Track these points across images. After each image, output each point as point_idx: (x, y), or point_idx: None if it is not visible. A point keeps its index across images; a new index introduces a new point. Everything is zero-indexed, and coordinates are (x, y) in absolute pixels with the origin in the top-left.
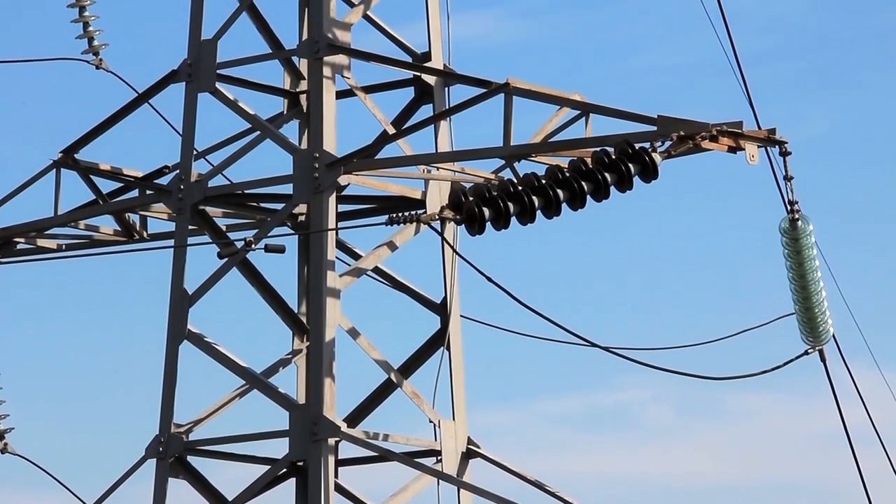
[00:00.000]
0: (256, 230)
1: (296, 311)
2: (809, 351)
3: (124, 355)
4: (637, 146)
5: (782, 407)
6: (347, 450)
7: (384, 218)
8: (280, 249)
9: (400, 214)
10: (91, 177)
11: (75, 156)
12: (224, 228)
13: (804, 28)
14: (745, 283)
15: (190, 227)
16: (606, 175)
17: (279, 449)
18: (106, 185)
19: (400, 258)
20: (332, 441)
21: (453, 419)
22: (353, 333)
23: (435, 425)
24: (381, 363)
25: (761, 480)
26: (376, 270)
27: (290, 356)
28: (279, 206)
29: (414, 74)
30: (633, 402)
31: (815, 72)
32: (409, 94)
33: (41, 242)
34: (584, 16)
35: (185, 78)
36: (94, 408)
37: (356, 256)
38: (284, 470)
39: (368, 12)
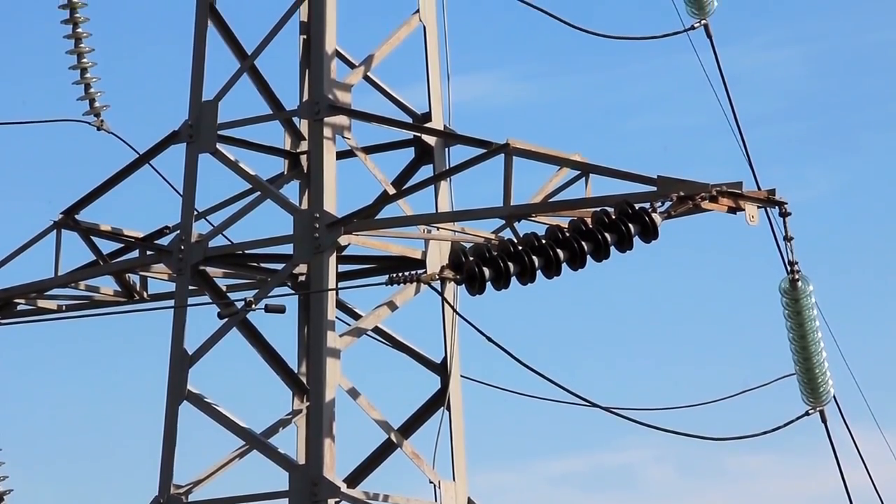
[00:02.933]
0: (257, 290)
1: (296, 371)
2: (810, 411)
3: (124, 415)
4: (637, 206)
5: (783, 468)
6: None
7: (384, 278)
8: (280, 309)
9: (400, 274)
10: (92, 237)
11: (76, 216)
12: (224, 288)
13: (804, 91)
14: (745, 343)
15: (190, 287)
16: (606, 235)
17: None
18: (106, 246)
19: (400, 318)
20: (332, 502)
21: (454, 480)
22: (353, 393)
23: (435, 486)
24: (381, 423)
25: None
26: (376, 330)
27: (289, 416)
28: (280, 266)
29: (414, 135)
30: (634, 463)
31: (816, 134)
32: (409, 154)
33: (42, 303)
34: (584, 78)
35: (185, 139)
36: (93, 468)
37: (356, 316)
38: None
39: (369, 73)
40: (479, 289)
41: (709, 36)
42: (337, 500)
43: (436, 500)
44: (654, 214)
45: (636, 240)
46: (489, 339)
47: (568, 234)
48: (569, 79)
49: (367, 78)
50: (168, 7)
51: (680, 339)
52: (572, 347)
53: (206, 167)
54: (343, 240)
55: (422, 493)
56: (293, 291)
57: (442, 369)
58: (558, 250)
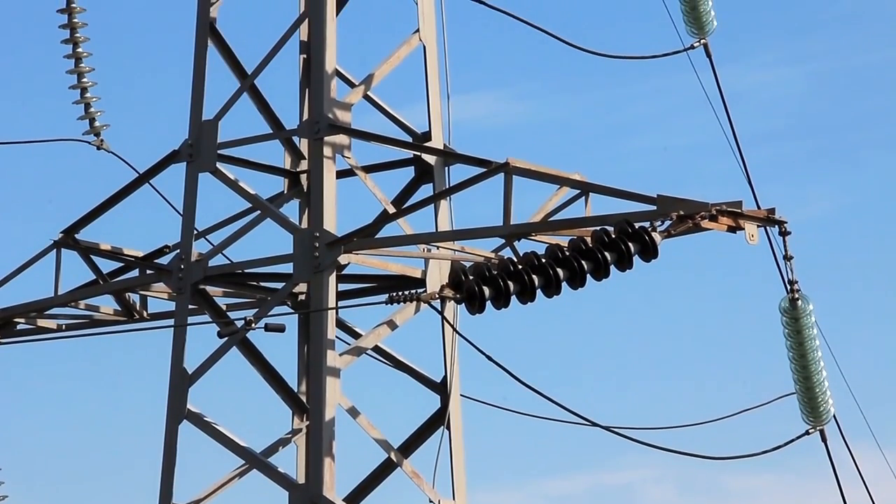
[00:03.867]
0: (257, 309)
1: (296, 391)
2: (810, 431)
3: (124, 435)
4: (637, 225)
5: (783, 487)
6: None
7: (384, 297)
8: (280, 328)
9: (400, 293)
10: (91, 257)
11: (76, 236)
12: (224, 308)
13: (804, 110)
14: (745, 362)
15: (190, 306)
16: (606, 254)
17: None
18: (106, 265)
19: (400, 337)
20: None
21: (454, 499)
22: (353, 412)
23: None
24: (381, 442)
25: None
26: (376, 349)
27: (289, 435)
28: (279, 286)
29: (414, 154)
30: (634, 482)
31: (816, 153)
32: (409, 173)
33: (41, 322)
34: (584, 97)
35: (185, 158)
36: (93, 487)
37: (356, 335)
38: None
39: (369, 93)
40: (478, 308)
41: (708, 55)
42: None
43: None
44: (653, 233)
45: (636, 259)
46: (489, 359)
47: (568, 253)
48: (568, 98)
49: (367, 97)
50: (168, 27)
51: (680, 359)
52: (572, 366)
53: (206, 186)
54: (343, 259)
55: None
56: (293, 310)
57: (442, 388)
58: (558, 269)
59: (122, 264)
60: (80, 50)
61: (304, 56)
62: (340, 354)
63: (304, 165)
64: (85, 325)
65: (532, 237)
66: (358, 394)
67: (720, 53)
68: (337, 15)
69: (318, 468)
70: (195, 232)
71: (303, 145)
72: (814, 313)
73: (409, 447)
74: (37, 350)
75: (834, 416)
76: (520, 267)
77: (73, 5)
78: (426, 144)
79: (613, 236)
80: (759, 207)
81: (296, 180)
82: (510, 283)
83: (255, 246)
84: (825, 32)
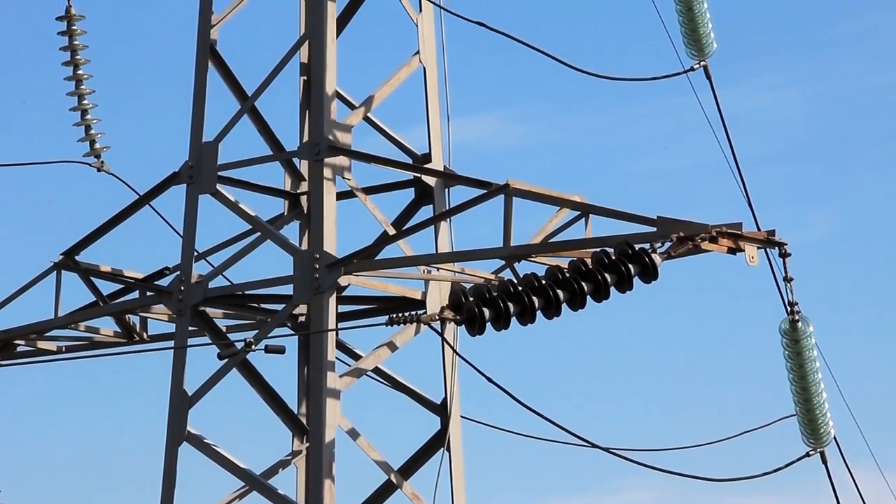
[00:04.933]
0: (257, 331)
1: (296, 412)
2: (811, 453)
3: (124, 456)
4: (637, 247)
5: None
6: None
7: (384, 318)
8: (280, 350)
9: (400, 315)
10: (92, 278)
11: (76, 258)
12: (224, 329)
13: (804, 132)
14: (745, 384)
15: (190, 328)
16: (606, 276)
17: None
18: (106, 287)
19: (400, 359)
20: None
21: None
22: (353, 434)
23: None
24: (381, 464)
25: None
26: (376, 371)
27: (289, 457)
28: (279, 307)
29: (414, 176)
30: None
31: (816, 175)
32: (409, 195)
33: (41, 344)
34: (584, 119)
35: (186, 180)
36: None
37: (356, 357)
38: None
39: (369, 114)
40: (479, 329)
41: (708, 77)
42: None
43: None
44: (653, 255)
45: (636, 280)
46: (489, 380)
47: (568, 275)
48: (568, 120)
49: (367, 119)
50: (169, 49)
51: (680, 380)
52: (572, 388)
53: (207, 208)
54: (343, 280)
55: None
56: (293, 332)
57: (442, 410)
58: (558, 291)
59: (122, 286)
60: (80, 72)
61: (305, 78)
62: (340, 376)
63: (304, 187)
64: (85, 346)
65: (532, 259)
66: (358, 415)
67: (720, 75)
68: (337, 37)
69: (318, 490)
70: (195, 253)
71: (303, 167)
72: (814, 335)
73: (409, 469)
74: (37, 372)
75: (834, 437)
76: (520, 288)
77: (74, 27)
78: (426, 166)
79: (613, 258)
80: (759, 229)
81: (296, 202)
82: (510, 305)
83: (255, 267)
84: (825, 55)
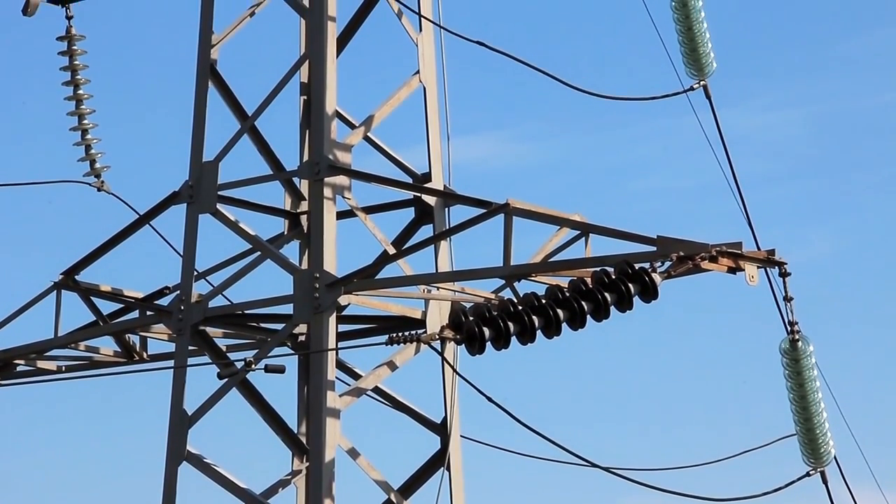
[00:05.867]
0: (256, 350)
1: (295, 432)
2: (811, 472)
3: (123, 476)
4: (637, 266)
5: None
6: None
7: (384, 338)
8: (280, 370)
9: (400, 334)
10: (92, 298)
11: (76, 277)
12: (224, 349)
13: (804, 152)
14: (745, 403)
15: (190, 347)
16: (606, 295)
17: None
18: (106, 307)
19: (400, 378)
20: None
21: None
22: (353, 454)
23: None
24: (381, 483)
25: None
26: (376, 390)
27: (289, 477)
28: (279, 327)
29: (414, 195)
30: None
31: (816, 195)
32: (409, 214)
33: (41, 364)
34: (584, 139)
35: (186, 199)
36: None
37: (356, 376)
38: None
39: (369, 134)
40: (479, 349)
41: (708, 97)
42: None
43: None
44: (653, 274)
45: (636, 300)
46: (489, 399)
47: (568, 294)
48: (568, 139)
49: (367, 138)
50: (168, 68)
51: (680, 399)
52: (572, 407)
53: (207, 227)
54: (343, 300)
55: None
56: (293, 351)
57: (442, 429)
58: (558, 310)
59: (122, 305)
60: (80, 92)
61: (305, 97)
62: (340, 395)
63: (304, 206)
64: (85, 366)
65: (532, 278)
66: (358, 435)
67: (720, 95)
68: (337, 56)
69: None
70: (195, 273)
71: (303, 186)
72: (814, 354)
73: (409, 488)
74: (37, 391)
75: (835, 457)
76: (520, 308)
77: (74, 47)
78: (426, 185)
79: (613, 277)
80: (759, 248)
81: (296, 221)
82: (510, 324)
83: (255, 287)
84: (824, 75)
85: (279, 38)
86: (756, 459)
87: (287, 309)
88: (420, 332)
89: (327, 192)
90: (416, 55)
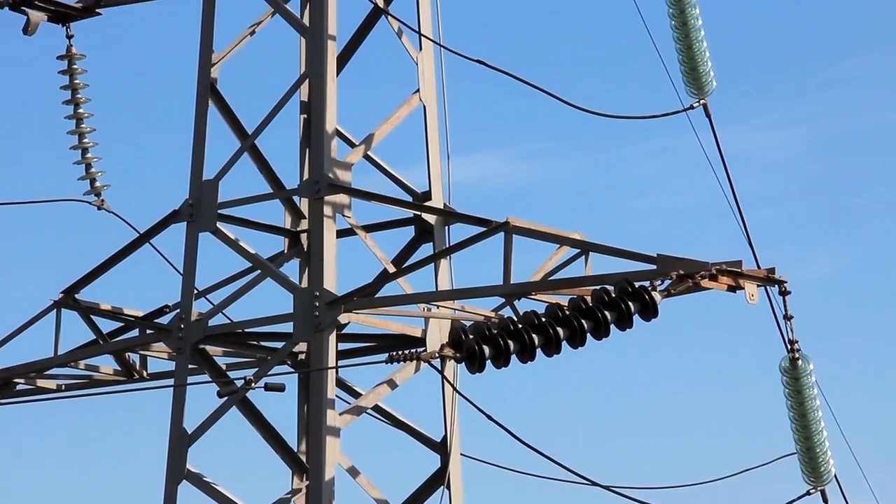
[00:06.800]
0: (256, 369)
1: (295, 450)
2: (811, 491)
3: (123, 495)
4: (637, 285)
5: None
6: None
7: (384, 356)
8: (280, 388)
9: (400, 353)
10: (91, 316)
11: (76, 296)
12: (224, 367)
13: (805, 171)
14: (745, 422)
15: (190, 365)
16: (606, 313)
17: None
18: (106, 325)
19: (400, 396)
20: None
21: None
22: (353, 472)
23: None
24: (381, 502)
25: None
26: (376, 409)
27: (289, 495)
28: (279, 345)
29: (414, 213)
30: None
31: (816, 214)
32: (409, 232)
33: (41, 383)
34: (585, 158)
35: (186, 218)
36: None
37: (356, 395)
38: None
39: (369, 152)
40: (478, 367)
41: (708, 115)
42: None
43: None
44: (653, 293)
45: (636, 318)
46: (489, 418)
47: (568, 313)
48: (568, 158)
49: (367, 157)
50: (169, 87)
51: (680, 418)
52: (572, 426)
53: (207, 246)
54: (343, 318)
55: None
56: (293, 370)
57: (442, 448)
58: (558, 328)
59: (122, 324)
60: (81, 110)
61: (305, 116)
62: (340, 414)
63: (304, 225)
64: (85, 385)
65: (532, 296)
66: (358, 453)
67: (721, 114)
68: (337, 75)
69: None
70: (195, 291)
71: (303, 205)
72: (814, 373)
73: None
74: (36, 410)
75: (835, 475)
76: (520, 326)
77: (75, 66)
78: (426, 204)
79: (613, 295)
80: (759, 267)
81: (296, 240)
82: (510, 343)
83: (255, 305)
84: (825, 94)
85: (279, 57)
86: (756, 478)
87: (287, 327)
88: (420, 350)
89: (327, 210)
90: (417, 74)
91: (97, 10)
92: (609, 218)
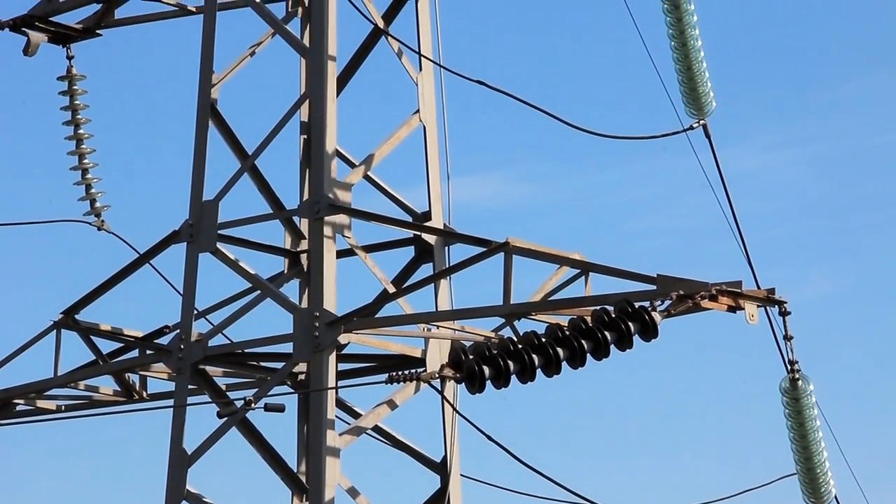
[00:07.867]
0: (256, 389)
1: (295, 471)
2: None
3: None
4: (637, 305)
5: None
6: None
7: (384, 376)
8: (280, 408)
9: (400, 373)
10: (91, 337)
11: (76, 316)
12: (224, 387)
13: (806, 192)
14: (746, 442)
15: (190, 386)
16: (606, 334)
17: None
18: (106, 346)
19: (400, 417)
20: None
21: None
22: (353, 493)
23: None
24: None
25: None
26: (376, 429)
27: None
28: (279, 365)
29: (414, 234)
30: None
31: (817, 235)
32: (409, 253)
33: (41, 403)
34: (585, 178)
35: (186, 238)
36: None
37: (356, 415)
38: None
39: (369, 173)
40: (478, 387)
41: (707, 136)
42: None
43: None
44: (653, 313)
45: (636, 338)
46: (489, 438)
47: (568, 333)
48: (568, 179)
49: (367, 177)
50: (169, 108)
51: (680, 438)
52: (572, 446)
53: (207, 266)
54: (343, 338)
55: None
56: (293, 390)
57: (442, 468)
58: (558, 349)
59: (122, 345)
60: (81, 131)
61: (305, 136)
62: (340, 434)
63: (304, 245)
64: (85, 405)
65: (532, 317)
66: (358, 474)
67: (720, 135)
68: (337, 96)
69: None
70: (195, 312)
71: (303, 225)
72: (814, 393)
73: None
74: (36, 431)
75: (835, 496)
76: (520, 346)
77: (75, 87)
78: (426, 224)
79: (613, 316)
80: (759, 288)
81: (296, 260)
82: (510, 363)
83: (255, 326)
84: (826, 115)
85: (279, 78)
86: (756, 499)
87: (287, 348)
88: (420, 370)
89: (327, 230)
90: (417, 94)
91: (97, 31)
92: (609, 238)
